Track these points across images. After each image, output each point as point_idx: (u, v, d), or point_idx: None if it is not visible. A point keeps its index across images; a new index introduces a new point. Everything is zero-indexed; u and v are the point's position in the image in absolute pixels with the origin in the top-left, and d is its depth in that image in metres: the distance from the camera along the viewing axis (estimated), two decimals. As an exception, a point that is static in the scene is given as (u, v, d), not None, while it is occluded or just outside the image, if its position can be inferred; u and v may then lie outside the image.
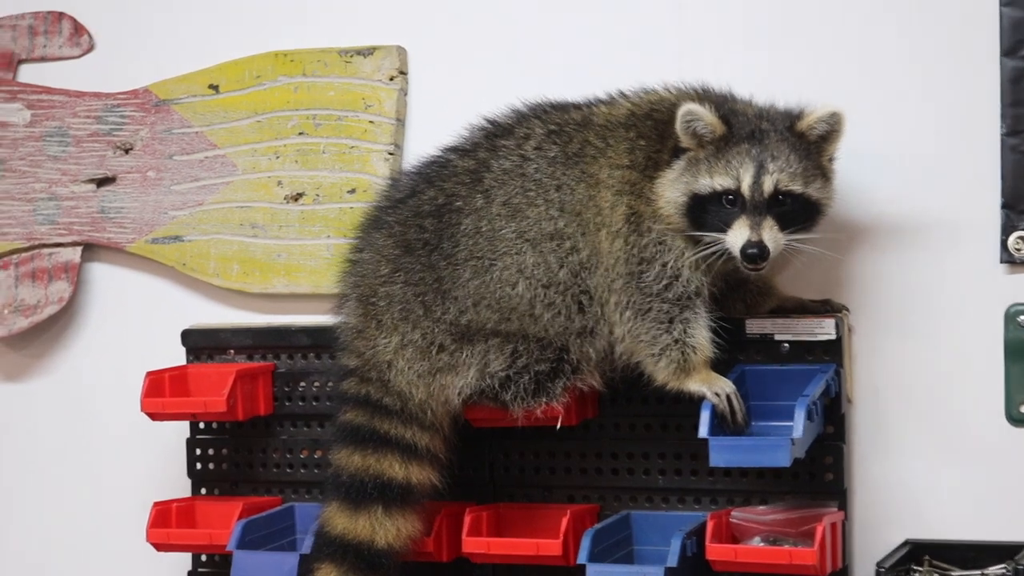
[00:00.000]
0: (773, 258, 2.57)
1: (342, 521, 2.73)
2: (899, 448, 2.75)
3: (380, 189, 2.95)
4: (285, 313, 3.12)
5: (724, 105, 2.64)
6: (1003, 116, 2.69)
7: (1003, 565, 2.62)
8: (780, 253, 2.58)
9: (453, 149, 2.78)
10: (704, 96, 2.67)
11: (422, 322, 2.71)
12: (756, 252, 2.55)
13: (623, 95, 2.75)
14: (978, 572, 2.63)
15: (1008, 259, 2.70)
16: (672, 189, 2.62)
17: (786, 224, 2.58)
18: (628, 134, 2.67)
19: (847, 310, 2.75)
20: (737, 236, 2.56)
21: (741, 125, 2.60)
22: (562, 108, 2.76)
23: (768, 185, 2.56)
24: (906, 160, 2.75)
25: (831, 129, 2.60)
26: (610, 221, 2.65)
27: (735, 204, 2.58)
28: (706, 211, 2.59)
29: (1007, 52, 2.69)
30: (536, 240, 2.67)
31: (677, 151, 2.63)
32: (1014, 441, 2.70)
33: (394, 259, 2.74)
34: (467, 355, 2.69)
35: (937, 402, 2.74)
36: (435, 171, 2.77)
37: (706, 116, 2.58)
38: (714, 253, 2.59)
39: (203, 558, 3.11)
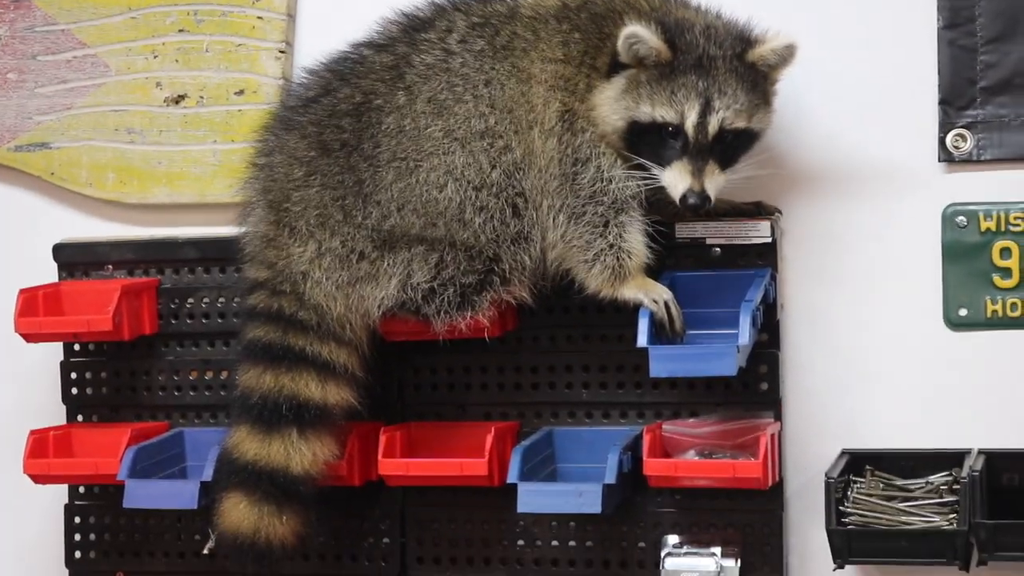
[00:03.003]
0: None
1: (253, 446, 2.54)
2: (833, 356, 2.65)
3: (285, 89, 2.75)
4: (166, 225, 2.89)
5: (669, 16, 2.46)
6: (940, 8, 2.60)
7: (945, 473, 2.55)
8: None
9: (367, 44, 2.59)
10: None
11: (341, 228, 2.52)
12: (697, 202, 2.42)
13: None
14: (922, 481, 2.55)
15: (946, 157, 2.61)
16: (610, 109, 2.46)
17: (727, 158, 2.46)
18: (561, 26, 2.51)
19: (779, 212, 2.64)
20: (677, 179, 2.43)
21: (688, 50, 2.43)
22: (483, 0, 2.58)
23: (713, 125, 2.43)
24: (839, 56, 2.63)
25: (783, 60, 2.47)
26: (543, 119, 2.49)
27: (676, 139, 2.43)
28: (645, 139, 2.45)
29: (943, -58, 2.59)
30: (465, 139, 2.49)
31: (616, 64, 2.46)
32: (953, 346, 2.62)
33: (309, 161, 2.54)
34: (389, 264, 2.52)
35: (873, 307, 2.64)
36: (349, 68, 2.57)
37: (651, 40, 2.41)
38: (650, 186, 2.46)
39: (81, 490, 2.89)
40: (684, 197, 2.42)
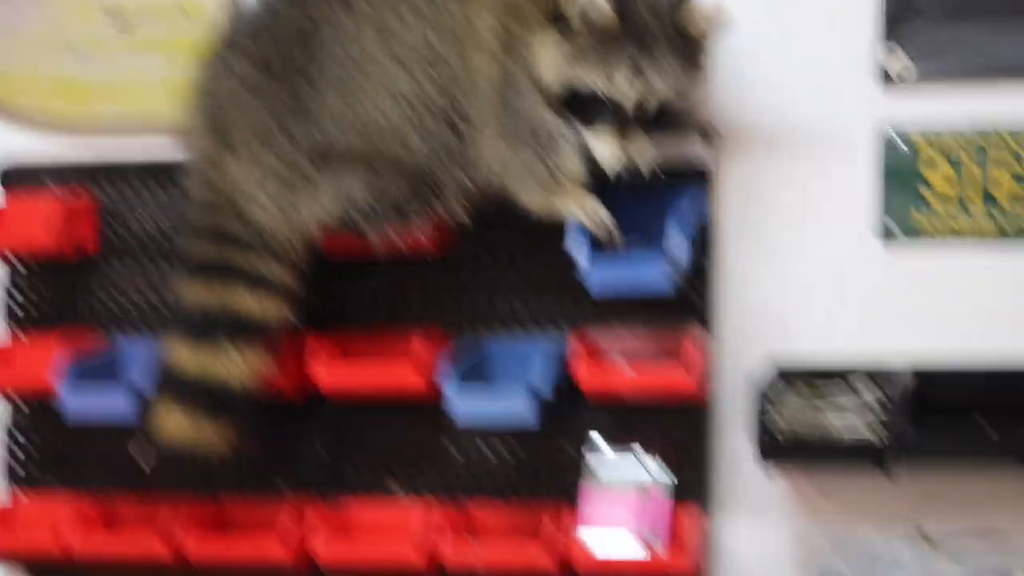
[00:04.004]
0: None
1: (188, 357, 2.57)
2: (766, 272, 2.68)
3: (231, 11, 2.75)
4: (110, 147, 2.90)
5: None
6: (875, -71, 2.62)
7: (876, 388, 2.58)
8: None
9: (315, -34, 2.60)
10: None
11: (283, 149, 2.54)
12: (621, 170, 2.48)
13: None
14: (851, 394, 2.58)
15: (882, 78, 2.63)
16: (547, 65, 2.48)
17: (656, 125, 2.49)
18: None
19: (718, 132, 2.66)
20: (603, 145, 2.48)
21: (631, 21, 2.44)
22: None
23: (643, 94, 2.45)
24: (774, -24, 2.66)
25: (714, 25, 2.49)
26: (481, 39, 2.51)
27: (606, 106, 2.46)
28: (578, 101, 2.48)
29: None
30: (407, 60, 2.51)
31: (559, 15, 2.47)
32: (884, 260, 2.65)
33: (253, 84, 2.56)
34: (328, 182, 2.54)
35: (806, 223, 2.67)
36: (296, -10, 2.59)
37: (604, 9, 2.42)
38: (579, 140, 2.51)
39: (24, 407, 2.91)
40: (609, 164, 2.47)
